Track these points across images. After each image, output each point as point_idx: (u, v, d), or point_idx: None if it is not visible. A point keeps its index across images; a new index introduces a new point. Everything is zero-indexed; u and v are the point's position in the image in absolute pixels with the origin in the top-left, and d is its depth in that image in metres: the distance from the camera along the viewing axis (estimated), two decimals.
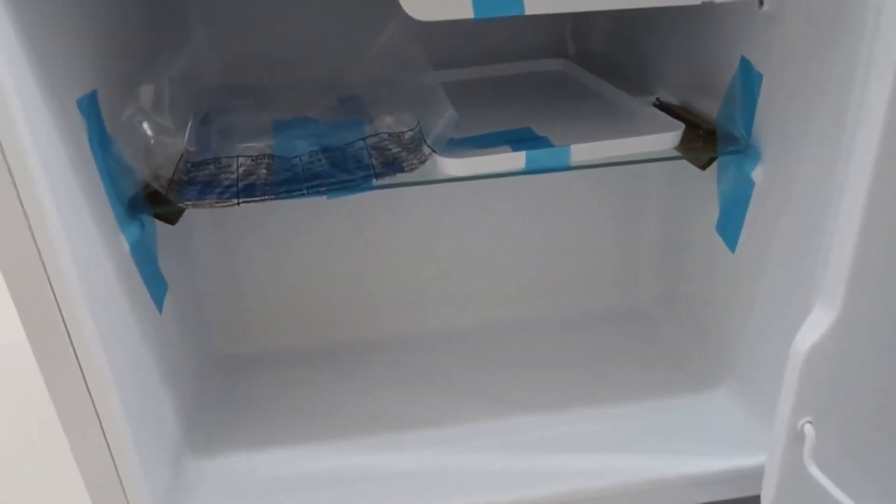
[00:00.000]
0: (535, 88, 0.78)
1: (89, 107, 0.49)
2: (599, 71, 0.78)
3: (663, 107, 0.68)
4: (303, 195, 0.54)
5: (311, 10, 0.75)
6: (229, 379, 0.75)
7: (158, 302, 0.60)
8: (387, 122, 0.59)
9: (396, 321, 0.83)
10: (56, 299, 0.45)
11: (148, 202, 0.54)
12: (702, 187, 0.69)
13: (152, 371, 0.58)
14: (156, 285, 0.59)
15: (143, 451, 0.52)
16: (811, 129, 0.53)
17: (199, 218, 0.58)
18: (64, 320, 0.45)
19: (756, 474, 0.56)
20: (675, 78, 0.71)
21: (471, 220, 0.83)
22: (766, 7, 0.55)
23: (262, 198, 0.54)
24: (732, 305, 0.68)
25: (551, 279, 0.86)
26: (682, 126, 0.61)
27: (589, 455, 0.63)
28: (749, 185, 0.60)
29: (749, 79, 0.59)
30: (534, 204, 0.83)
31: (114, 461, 0.50)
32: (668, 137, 0.60)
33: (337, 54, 0.69)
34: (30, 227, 0.43)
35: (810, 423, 0.43)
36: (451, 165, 0.56)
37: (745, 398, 0.65)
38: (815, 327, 0.42)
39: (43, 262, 0.44)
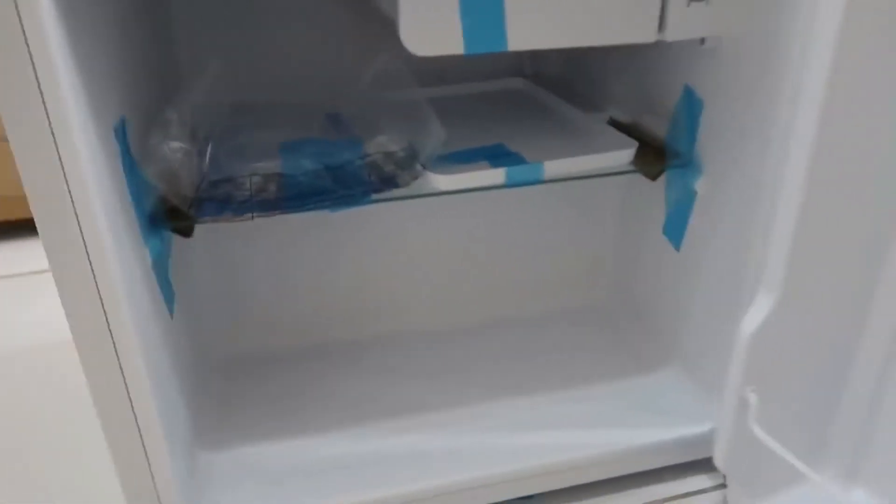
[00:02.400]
0: (499, 106, 0.85)
1: (121, 132, 0.53)
2: (555, 90, 0.86)
3: (616, 124, 0.77)
4: (310, 209, 0.60)
5: (308, 33, 0.81)
6: (229, 378, 0.80)
7: (170, 306, 0.65)
8: (380, 142, 0.65)
9: (383, 321, 0.89)
10: (101, 299, 0.49)
11: (167, 217, 0.59)
12: (653, 195, 0.79)
13: (167, 369, 0.63)
14: (168, 291, 0.64)
15: (169, 441, 0.57)
16: (744, 146, 0.63)
17: (198, 227, 0.63)
18: (107, 318, 0.50)
19: (704, 440, 0.66)
20: (626, 98, 0.80)
21: (450, 228, 0.90)
22: (706, 44, 0.65)
23: (274, 212, 0.60)
24: (678, 298, 0.78)
25: (520, 280, 0.94)
26: (636, 144, 0.70)
27: (561, 432, 0.71)
28: (692, 194, 0.70)
29: (692, 104, 0.68)
30: (503, 212, 0.91)
31: (145, 448, 0.55)
32: (625, 154, 0.69)
33: (330, 73, 0.76)
34: (82, 235, 0.47)
35: (754, 391, 0.53)
36: (442, 181, 0.63)
37: (690, 378, 0.75)
38: (758, 310, 0.52)
39: (92, 267, 0.48)
